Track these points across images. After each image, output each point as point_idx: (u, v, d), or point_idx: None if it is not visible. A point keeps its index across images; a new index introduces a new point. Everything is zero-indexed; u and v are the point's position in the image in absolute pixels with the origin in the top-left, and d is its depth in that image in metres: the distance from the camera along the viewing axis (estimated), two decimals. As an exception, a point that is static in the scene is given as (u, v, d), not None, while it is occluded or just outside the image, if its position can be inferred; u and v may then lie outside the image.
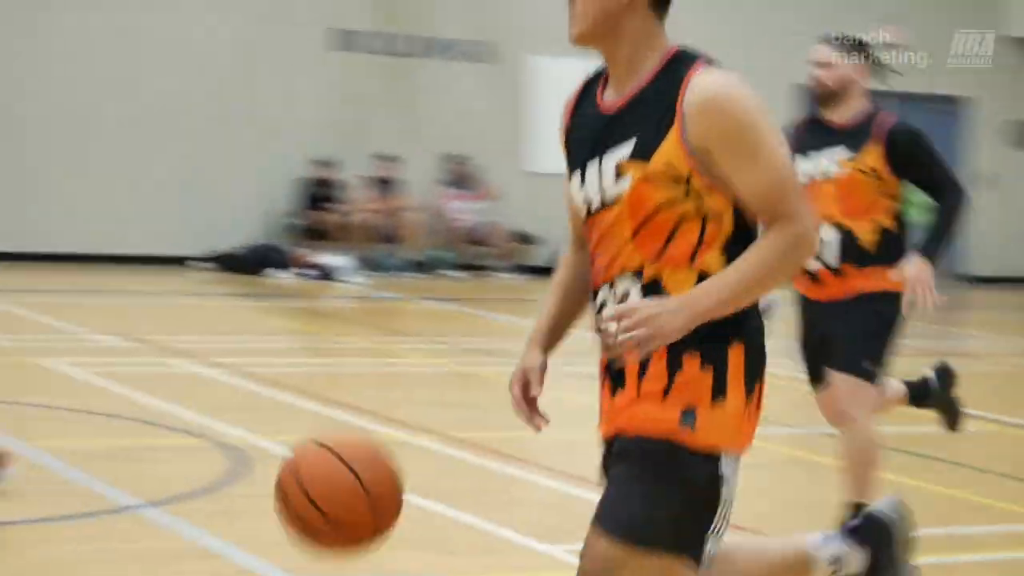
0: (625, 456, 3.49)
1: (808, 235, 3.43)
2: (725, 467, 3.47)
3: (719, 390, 3.46)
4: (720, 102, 3.38)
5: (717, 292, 3.38)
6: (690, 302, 3.37)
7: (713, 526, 3.48)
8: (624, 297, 3.49)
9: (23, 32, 19.58)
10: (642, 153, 3.42)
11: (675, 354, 3.44)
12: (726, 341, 3.46)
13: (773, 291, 3.49)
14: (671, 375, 3.45)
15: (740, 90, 3.41)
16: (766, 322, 3.60)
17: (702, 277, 3.44)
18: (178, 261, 19.81)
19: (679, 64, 3.44)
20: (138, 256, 19.87)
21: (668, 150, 3.40)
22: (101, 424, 9.04)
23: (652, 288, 3.47)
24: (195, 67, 20.39)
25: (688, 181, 3.41)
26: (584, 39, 3.50)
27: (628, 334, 3.33)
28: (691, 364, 3.46)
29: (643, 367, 3.47)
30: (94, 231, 19.83)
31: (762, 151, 3.39)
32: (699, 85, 3.39)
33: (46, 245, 19.65)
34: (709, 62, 3.46)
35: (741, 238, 3.46)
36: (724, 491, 3.47)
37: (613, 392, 3.55)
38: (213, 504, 7.05)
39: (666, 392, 3.45)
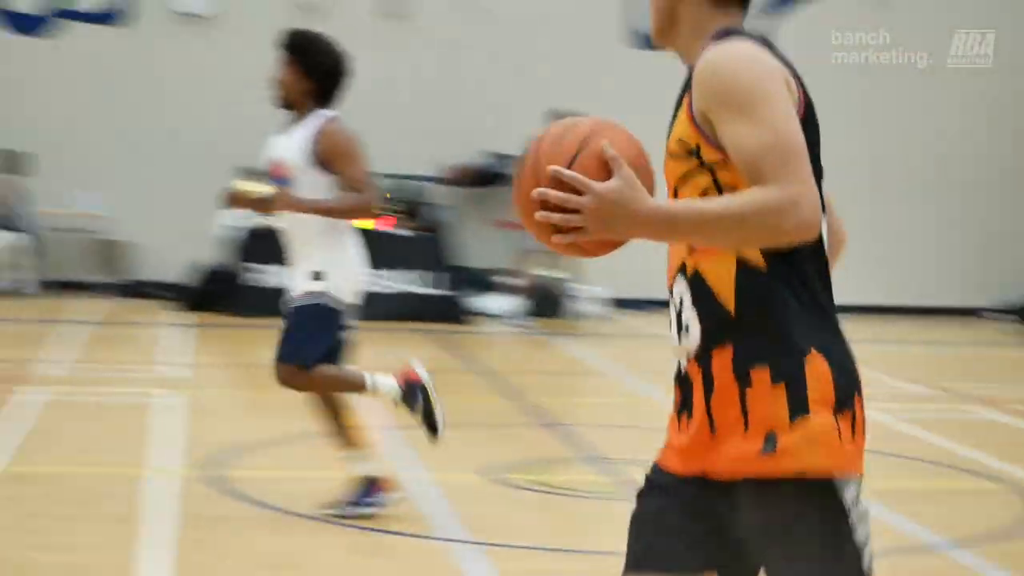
0: (753, 513, 3.20)
1: (792, 204, 3.01)
2: (841, 491, 3.15)
3: (798, 406, 3.14)
4: (715, 65, 3.18)
5: (678, 220, 3.04)
6: (651, 220, 3.02)
7: (861, 550, 3.18)
8: (680, 303, 3.27)
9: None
10: (669, 131, 3.28)
11: (742, 367, 3.18)
12: (801, 351, 3.16)
13: (732, 245, 3.13)
14: (742, 393, 3.18)
15: (740, 55, 3.18)
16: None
17: (742, 265, 3.18)
18: (972, 312, 20.10)
19: (713, 43, 3.25)
20: (935, 308, 20.31)
21: (680, 123, 3.24)
22: (901, 465, 9.47)
23: (697, 285, 3.24)
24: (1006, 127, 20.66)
25: (698, 153, 3.20)
26: (657, 38, 3.42)
27: (564, 216, 3.03)
28: (760, 379, 3.18)
29: (708, 379, 3.22)
30: (889, 283, 20.41)
31: (753, 113, 3.10)
32: (706, 55, 3.21)
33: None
34: (740, 36, 3.24)
35: None
36: (852, 518, 3.16)
37: (679, 415, 3.29)
38: (1015, 547, 7.34)
39: (745, 422, 3.16)
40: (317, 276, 7.34)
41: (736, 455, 3.16)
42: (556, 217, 3.02)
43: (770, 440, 3.12)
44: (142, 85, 18.62)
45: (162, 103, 18.63)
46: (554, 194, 3.02)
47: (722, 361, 3.19)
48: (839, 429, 3.13)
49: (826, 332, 3.19)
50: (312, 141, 7.29)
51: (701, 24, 3.34)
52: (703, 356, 3.22)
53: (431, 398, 7.43)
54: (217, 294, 17.05)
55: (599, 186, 3.02)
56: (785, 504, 3.16)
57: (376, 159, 18.14)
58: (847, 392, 3.16)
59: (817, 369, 3.14)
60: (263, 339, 15.26)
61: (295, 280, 7.43)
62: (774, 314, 3.17)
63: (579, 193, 3.02)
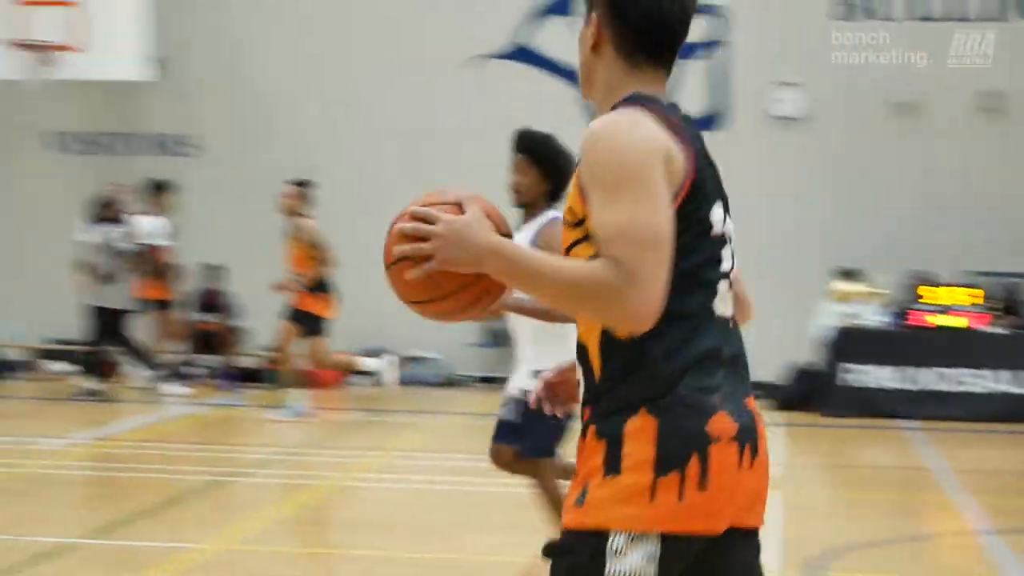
0: None
1: (620, 296, 3.06)
2: (615, 544, 3.15)
3: (612, 464, 3.18)
4: (592, 138, 3.19)
5: (518, 265, 3.14)
6: (492, 254, 3.15)
7: None
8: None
9: None
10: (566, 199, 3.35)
11: (588, 424, 3.25)
12: (629, 411, 3.18)
13: (561, 308, 3.19)
14: (581, 448, 3.26)
15: (621, 129, 3.18)
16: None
17: (606, 335, 3.22)
18: None
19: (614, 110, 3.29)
20: None
21: (571, 193, 3.27)
22: None
23: (579, 348, 3.31)
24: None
25: (583, 224, 3.23)
26: (583, 92, 3.47)
27: (415, 246, 3.19)
28: (591, 435, 3.23)
29: (583, 436, 3.28)
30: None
31: (615, 194, 3.12)
32: (592, 124, 3.23)
33: None
34: (634, 104, 3.25)
35: None
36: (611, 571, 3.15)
37: None
38: None
39: (578, 474, 3.25)
40: (537, 376, 7.30)
41: (565, 506, 3.27)
42: (408, 248, 3.19)
43: (584, 492, 3.21)
44: (737, 188, 18.96)
45: (752, 209, 18.88)
46: (409, 226, 3.20)
47: (586, 419, 3.28)
48: (656, 489, 3.14)
49: (672, 394, 3.17)
50: (534, 241, 7.31)
51: (613, 86, 3.37)
52: (582, 415, 3.31)
53: None
54: (809, 393, 17.03)
55: (447, 215, 3.19)
56: (563, 548, 3.24)
57: (972, 258, 17.85)
58: (679, 452, 3.15)
59: (642, 430, 3.16)
60: (857, 439, 15.17)
61: (516, 376, 7.61)
62: (624, 377, 3.21)
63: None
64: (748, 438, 3.27)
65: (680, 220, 3.19)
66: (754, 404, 3.34)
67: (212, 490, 11.16)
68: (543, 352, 7.41)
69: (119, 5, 17.93)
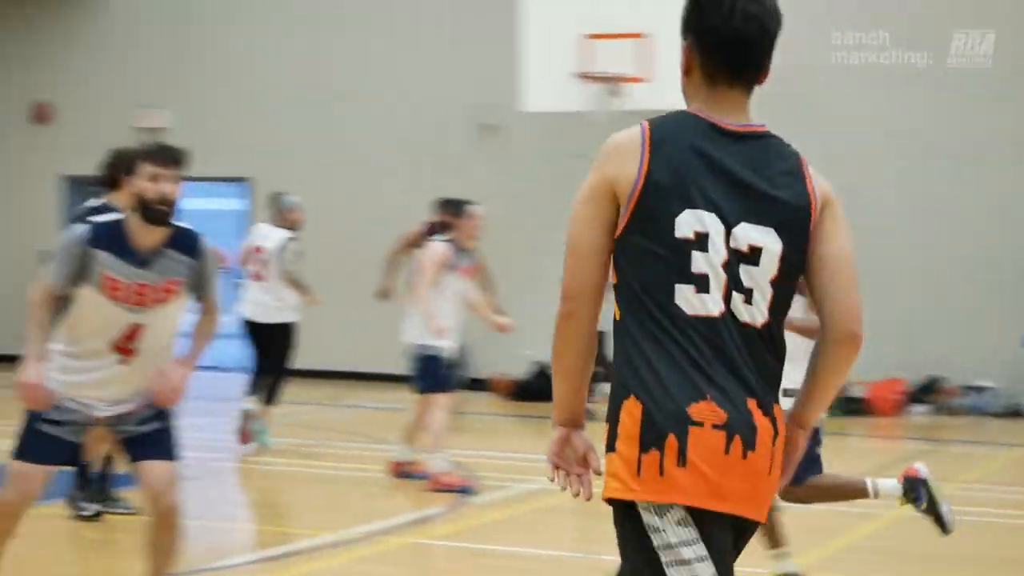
0: None
1: (562, 296, 3.64)
2: (641, 515, 3.51)
3: (611, 442, 3.55)
4: None
5: (553, 385, 3.80)
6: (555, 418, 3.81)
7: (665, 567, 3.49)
8: None
9: None
10: None
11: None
12: (623, 395, 3.53)
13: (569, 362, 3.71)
14: None
15: (606, 144, 3.61)
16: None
17: (615, 317, 3.60)
18: None
19: None
20: None
21: None
22: None
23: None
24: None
25: None
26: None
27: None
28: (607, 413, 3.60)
29: None
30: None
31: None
32: None
33: None
34: (650, 120, 3.61)
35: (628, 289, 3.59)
36: (655, 539, 3.49)
37: None
38: None
39: None
40: (787, 394, 6.99)
41: None
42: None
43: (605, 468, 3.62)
44: None
45: None
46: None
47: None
48: (640, 464, 3.47)
49: (652, 376, 3.49)
50: None
51: (691, 102, 3.69)
52: None
53: (934, 493, 7.60)
54: None
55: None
56: (614, 520, 3.61)
57: None
58: (658, 432, 3.46)
59: (631, 411, 3.51)
60: None
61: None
62: (620, 359, 3.57)
63: None
64: (739, 431, 3.50)
65: (632, 223, 3.55)
66: (757, 406, 3.57)
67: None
68: (797, 372, 7.49)
69: (687, 36, 18.25)
